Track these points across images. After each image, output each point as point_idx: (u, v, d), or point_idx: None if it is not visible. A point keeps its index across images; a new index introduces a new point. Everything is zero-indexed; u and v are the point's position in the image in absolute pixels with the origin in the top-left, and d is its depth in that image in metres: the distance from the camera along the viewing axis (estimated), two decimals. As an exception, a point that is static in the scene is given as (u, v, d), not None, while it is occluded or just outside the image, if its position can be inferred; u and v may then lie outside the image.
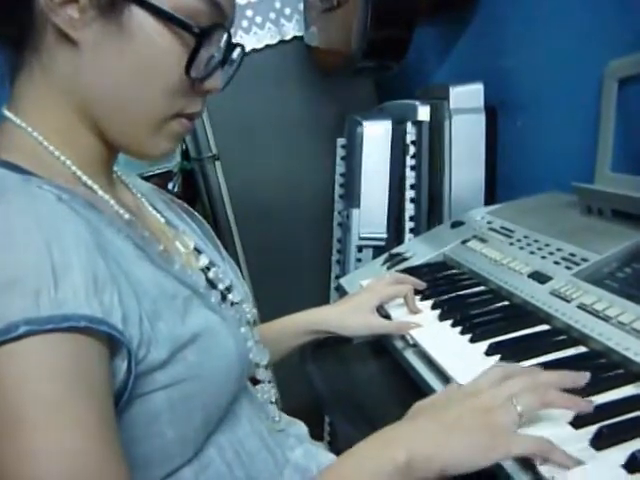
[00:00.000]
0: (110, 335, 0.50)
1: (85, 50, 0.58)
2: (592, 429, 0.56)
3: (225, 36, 0.63)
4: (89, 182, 0.62)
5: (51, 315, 0.46)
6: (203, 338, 0.59)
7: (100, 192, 0.63)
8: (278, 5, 1.75)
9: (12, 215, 0.49)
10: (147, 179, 1.95)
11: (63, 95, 0.61)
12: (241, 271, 1.80)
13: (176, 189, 2.19)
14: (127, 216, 0.64)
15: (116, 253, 0.55)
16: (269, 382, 0.77)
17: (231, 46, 0.65)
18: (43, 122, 0.61)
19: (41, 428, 0.44)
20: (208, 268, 0.74)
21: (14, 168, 0.56)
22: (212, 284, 0.71)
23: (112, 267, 0.53)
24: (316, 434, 0.87)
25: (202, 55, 0.61)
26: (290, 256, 1.88)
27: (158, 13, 0.57)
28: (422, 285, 0.98)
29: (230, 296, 0.73)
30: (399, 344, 0.89)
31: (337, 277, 1.74)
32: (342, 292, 1.18)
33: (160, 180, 2.12)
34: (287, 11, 1.76)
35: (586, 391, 0.63)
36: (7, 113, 0.61)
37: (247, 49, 0.65)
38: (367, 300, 0.95)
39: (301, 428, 0.81)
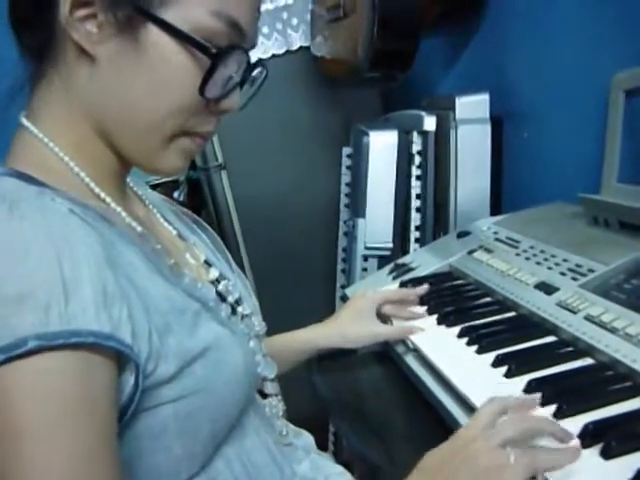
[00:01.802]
0: (118, 350, 0.50)
1: (102, 65, 0.59)
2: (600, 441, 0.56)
3: (244, 57, 0.63)
4: (102, 195, 0.62)
5: (60, 330, 0.46)
6: (212, 352, 0.59)
7: (113, 205, 0.63)
8: (285, 15, 1.76)
9: (25, 229, 0.49)
10: (153, 187, 1.95)
11: (80, 108, 0.61)
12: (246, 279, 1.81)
13: (182, 198, 2.19)
14: (139, 229, 0.64)
15: (127, 266, 0.55)
16: (276, 395, 0.76)
17: (250, 67, 0.65)
18: (59, 134, 0.61)
19: (42, 443, 0.45)
20: (218, 281, 0.74)
21: (29, 179, 0.57)
22: (222, 297, 0.71)
23: (122, 281, 0.53)
24: (321, 443, 0.87)
25: (218, 76, 0.61)
26: (295, 265, 1.88)
27: (175, 33, 0.58)
28: (424, 289, 0.98)
29: (240, 309, 0.73)
30: (407, 356, 0.88)
31: (343, 286, 1.73)
32: (347, 302, 1.18)
33: (166, 189, 2.12)
34: (294, 21, 1.77)
35: (593, 403, 0.63)
36: (25, 122, 0.62)
37: (254, 59, 0.65)
38: (364, 307, 0.96)
39: (307, 439, 0.81)
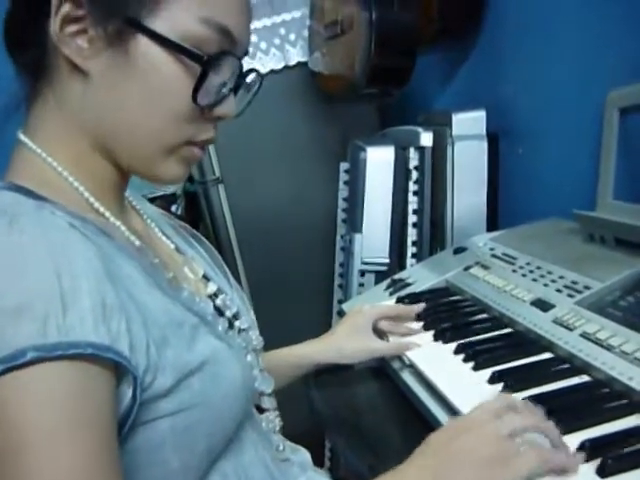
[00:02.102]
0: (116, 362, 0.50)
1: (95, 80, 0.60)
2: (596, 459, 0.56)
3: (236, 63, 0.63)
4: (101, 209, 0.63)
5: (58, 342, 0.46)
6: (209, 366, 0.59)
7: (112, 219, 0.63)
8: (283, 31, 1.78)
9: (24, 242, 0.50)
10: (151, 201, 1.96)
11: (76, 124, 0.62)
12: (243, 294, 1.81)
13: (180, 211, 2.19)
14: (137, 243, 0.64)
15: (126, 280, 0.56)
16: (274, 410, 0.76)
17: (243, 73, 0.66)
18: (57, 149, 0.62)
19: (42, 454, 0.45)
20: (216, 295, 0.74)
21: (28, 193, 0.57)
22: (219, 311, 0.72)
23: (121, 294, 0.53)
24: (317, 459, 0.87)
25: (211, 82, 0.61)
26: (293, 280, 1.88)
27: (164, 42, 0.58)
28: (420, 306, 0.98)
29: (237, 323, 0.74)
30: (403, 372, 0.88)
31: (340, 301, 1.74)
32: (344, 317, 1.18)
33: (164, 202, 2.13)
34: (292, 37, 1.78)
35: (590, 421, 0.63)
36: (23, 138, 0.62)
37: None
38: (360, 322, 0.96)
39: (304, 455, 0.81)
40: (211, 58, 0.60)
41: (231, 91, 0.64)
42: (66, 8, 0.57)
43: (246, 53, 0.67)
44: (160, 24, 0.58)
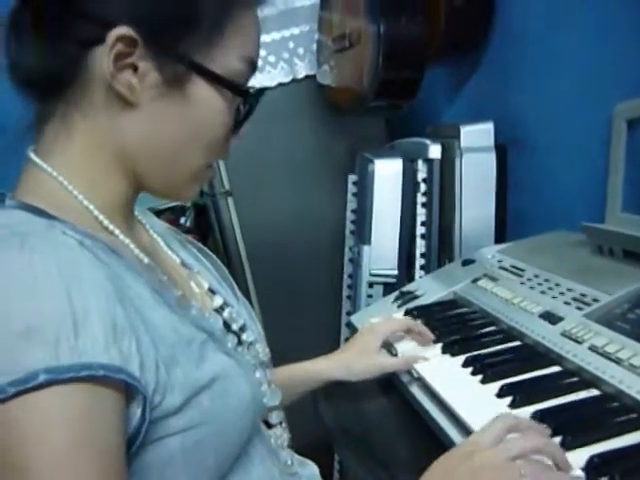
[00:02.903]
0: (127, 383, 0.50)
1: (142, 111, 0.61)
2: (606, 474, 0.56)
3: (260, 91, 0.67)
4: (111, 227, 0.63)
5: (70, 364, 0.47)
6: (218, 383, 0.60)
7: (121, 236, 0.64)
8: (291, 45, 1.79)
9: (35, 262, 0.50)
10: (160, 213, 1.96)
11: (102, 147, 0.62)
12: (252, 305, 1.81)
13: (189, 224, 2.20)
14: (146, 260, 0.65)
15: (135, 298, 0.56)
16: (281, 424, 0.76)
17: (259, 96, 0.68)
18: (71, 168, 0.62)
19: (49, 477, 0.45)
20: (222, 308, 0.74)
21: (38, 212, 0.57)
22: (226, 324, 0.72)
23: (131, 314, 0.53)
24: (326, 472, 0.87)
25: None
26: (301, 291, 1.88)
27: (218, 80, 0.62)
28: (430, 337, 0.96)
29: (244, 336, 0.74)
30: (412, 386, 0.88)
31: (348, 313, 1.74)
32: (353, 329, 1.18)
33: (173, 214, 2.14)
34: (300, 51, 1.80)
35: (598, 436, 0.63)
36: (33, 157, 0.62)
37: (260, 87, 0.70)
38: (369, 342, 0.96)
39: (312, 469, 0.81)
40: (254, 92, 0.65)
41: (249, 114, 0.68)
42: (120, 47, 0.58)
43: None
44: (211, 62, 0.61)
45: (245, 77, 0.65)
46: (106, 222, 0.63)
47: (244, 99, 0.65)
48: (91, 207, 0.62)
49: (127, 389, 0.51)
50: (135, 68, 0.59)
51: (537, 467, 0.56)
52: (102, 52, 0.58)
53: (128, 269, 0.58)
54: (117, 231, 0.64)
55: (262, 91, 0.66)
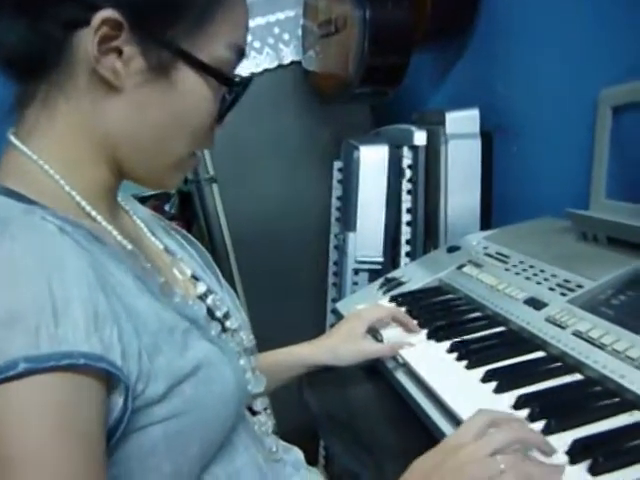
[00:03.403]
0: (108, 372, 0.50)
1: (126, 96, 0.60)
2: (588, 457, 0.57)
3: (247, 80, 0.66)
4: (93, 213, 0.62)
5: (51, 353, 0.46)
6: (202, 371, 0.59)
7: (103, 223, 0.63)
8: (277, 30, 1.77)
9: (15, 251, 0.49)
10: (144, 199, 1.95)
11: (84, 131, 0.61)
12: (237, 292, 1.81)
13: (173, 210, 2.19)
14: (130, 247, 0.64)
15: (117, 286, 0.55)
16: (266, 410, 0.76)
17: (246, 85, 0.67)
18: (52, 152, 0.61)
19: (34, 466, 0.45)
20: (206, 295, 0.74)
21: (18, 197, 0.56)
22: (210, 312, 0.72)
23: (113, 301, 0.53)
24: (311, 457, 0.87)
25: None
26: (287, 278, 1.88)
27: (204, 68, 0.61)
28: (415, 328, 0.96)
29: (227, 323, 0.73)
30: (397, 372, 0.88)
31: (334, 300, 1.74)
32: (338, 316, 1.18)
33: (157, 201, 2.12)
34: (285, 36, 1.78)
35: (582, 420, 0.63)
36: (14, 140, 0.61)
37: (246, 73, 0.69)
38: (355, 327, 0.96)
39: (297, 454, 0.81)
40: (240, 81, 0.64)
41: (235, 102, 0.67)
42: (105, 30, 0.57)
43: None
44: (197, 49, 0.60)
45: (232, 65, 0.64)
46: (88, 208, 0.62)
47: (230, 88, 0.64)
48: (73, 193, 0.61)
49: (108, 378, 0.51)
50: (120, 52, 0.58)
51: (517, 460, 0.56)
52: (87, 35, 0.57)
53: (110, 256, 0.58)
54: (99, 217, 0.63)
55: (249, 80, 0.66)
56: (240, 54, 0.64)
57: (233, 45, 0.63)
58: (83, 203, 0.62)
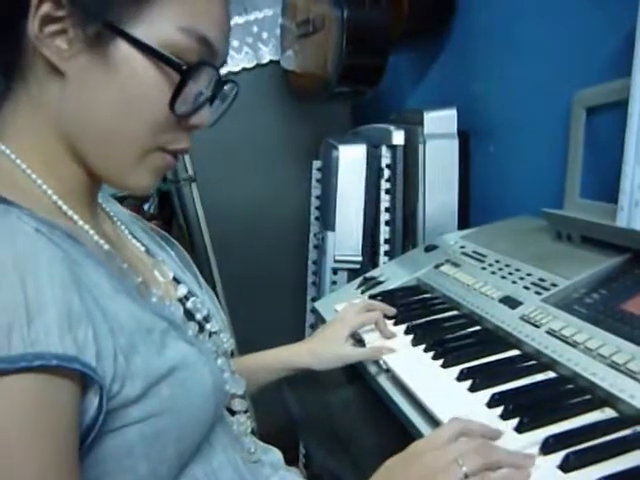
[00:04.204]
0: (82, 373, 0.50)
1: (72, 81, 0.59)
2: (560, 454, 0.57)
3: (214, 73, 0.63)
4: (69, 212, 0.62)
5: (23, 353, 0.46)
6: (179, 372, 0.59)
7: (80, 222, 0.63)
8: (255, 29, 1.77)
9: None
10: (122, 199, 1.94)
11: (48, 126, 0.61)
12: (216, 292, 1.80)
13: (152, 210, 2.18)
14: (106, 247, 0.64)
15: (93, 287, 0.55)
16: (245, 412, 0.76)
17: (220, 83, 0.65)
18: (27, 150, 0.61)
19: (3, 468, 0.45)
20: (187, 298, 0.74)
21: None
22: (190, 314, 0.71)
23: (88, 302, 0.53)
24: (291, 457, 0.87)
25: (189, 91, 0.61)
26: (266, 278, 1.88)
27: (143, 48, 0.57)
28: (392, 311, 0.98)
29: (208, 326, 0.73)
30: (373, 370, 0.89)
31: (313, 299, 1.74)
32: (317, 315, 1.18)
33: (136, 201, 2.11)
34: (264, 35, 1.78)
35: (554, 417, 0.64)
36: None
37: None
38: (338, 331, 0.96)
39: (276, 455, 0.81)
40: (190, 67, 0.59)
41: (207, 101, 0.64)
42: (46, 8, 0.56)
43: (224, 63, 0.66)
44: (141, 31, 0.58)
45: (195, 54, 0.60)
46: (65, 207, 0.61)
47: (182, 75, 0.59)
48: (49, 192, 0.61)
49: (82, 379, 0.50)
50: (65, 33, 0.57)
51: (481, 467, 0.57)
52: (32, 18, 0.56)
53: (86, 256, 0.57)
54: (76, 217, 0.62)
55: (201, 65, 0.60)
56: (204, 43, 0.60)
57: (187, 30, 0.58)
58: (60, 202, 0.61)
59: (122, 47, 0.58)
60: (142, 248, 0.76)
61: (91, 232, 0.63)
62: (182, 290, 0.75)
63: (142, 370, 0.55)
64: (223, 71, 0.66)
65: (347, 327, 0.96)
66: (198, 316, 0.73)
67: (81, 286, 0.53)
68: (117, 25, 0.57)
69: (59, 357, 0.47)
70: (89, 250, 0.58)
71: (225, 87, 0.68)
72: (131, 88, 0.59)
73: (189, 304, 0.73)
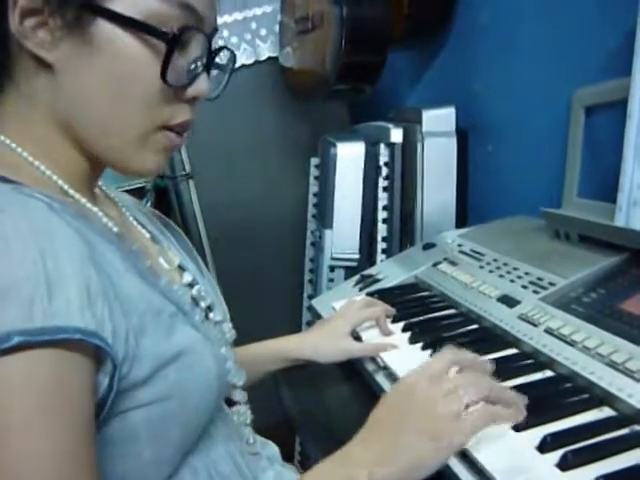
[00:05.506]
0: (99, 348, 0.49)
1: (60, 71, 0.58)
2: (558, 453, 0.57)
3: (203, 39, 0.61)
4: (76, 195, 0.61)
5: (44, 326, 0.45)
6: (186, 356, 0.59)
7: (88, 205, 0.62)
8: (254, 26, 1.77)
9: (6, 225, 0.48)
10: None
11: (45, 117, 0.60)
12: (214, 289, 1.80)
13: (149, 206, 2.17)
14: (115, 229, 0.63)
15: (106, 265, 0.55)
16: (244, 403, 0.76)
17: (214, 50, 0.64)
18: (27, 141, 0.60)
19: (28, 439, 0.44)
20: (192, 285, 0.74)
21: (3, 180, 0.55)
22: (195, 301, 0.71)
23: (103, 279, 0.52)
24: (287, 454, 0.87)
25: (180, 61, 0.60)
26: (263, 275, 1.88)
27: (124, 22, 0.56)
28: (392, 311, 0.98)
29: (211, 315, 0.73)
30: (370, 367, 0.89)
31: (310, 296, 1.74)
32: (314, 312, 1.18)
33: (133, 197, 2.11)
34: (262, 32, 1.78)
35: (552, 416, 0.64)
36: None
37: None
38: (340, 326, 0.96)
39: (273, 449, 0.81)
40: (175, 35, 0.58)
41: (203, 69, 0.62)
42: (22, 2, 0.55)
43: (215, 30, 0.65)
44: (119, 5, 0.56)
45: (177, 22, 0.58)
46: (71, 191, 0.61)
47: (168, 45, 0.57)
48: (54, 177, 0.60)
49: (97, 355, 0.50)
50: (46, 24, 0.56)
51: (481, 398, 0.58)
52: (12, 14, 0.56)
53: (98, 235, 0.57)
54: (83, 200, 0.62)
55: (186, 30, 0.58)
56: (187, 9, 0.58)
57: None
58: (66, 187, 0.61)
59: (103, 27, 0.57)
60: (147, 235, 0.76)
61: (100, 214, 0.63)
62: (187, 277, 0.74)
63: (150, 352, 0.55)
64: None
65: (349, 323, 0.96)
66: (202, 304, 0.73)
67: (96, 263, 0.52)
68: (92, 3, 0.56)
69: (81, 331, 0.47)
70: (100, 229, 0.58)
71: (220, 54, 0.66)
72: (119, 68, 0.58)
73: (194, 292, 0.73)
